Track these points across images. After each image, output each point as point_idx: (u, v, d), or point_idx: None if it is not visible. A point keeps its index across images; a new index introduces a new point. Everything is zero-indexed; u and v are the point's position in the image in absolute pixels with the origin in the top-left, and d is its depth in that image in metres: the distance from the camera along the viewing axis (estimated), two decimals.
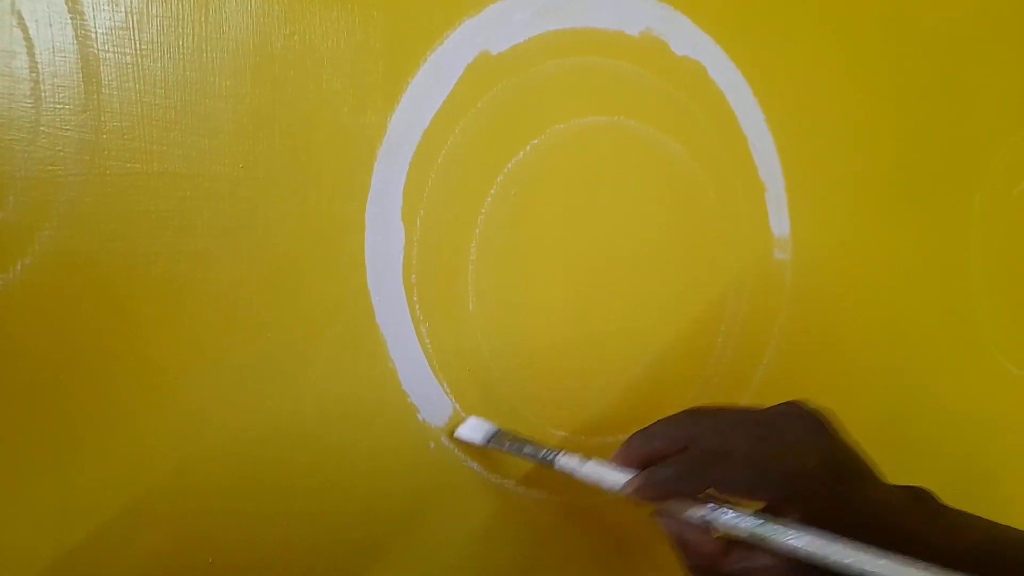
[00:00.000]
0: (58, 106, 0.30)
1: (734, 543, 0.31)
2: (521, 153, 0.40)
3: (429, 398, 0.38)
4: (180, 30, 0.32)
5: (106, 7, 0.30)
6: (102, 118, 0.31)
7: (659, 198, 0.45)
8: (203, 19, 0.32)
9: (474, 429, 0.38)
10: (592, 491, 0.44)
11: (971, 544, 0.30)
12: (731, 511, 0.30)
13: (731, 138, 0.47)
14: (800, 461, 0.29)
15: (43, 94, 0.30)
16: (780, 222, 0.49)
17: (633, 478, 0.32)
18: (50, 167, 0.30)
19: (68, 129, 0.30)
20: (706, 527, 0.31)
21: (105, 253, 0.31)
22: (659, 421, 0.33)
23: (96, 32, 0.30)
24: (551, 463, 0.35)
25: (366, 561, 0.38)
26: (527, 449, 0.36)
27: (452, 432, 0.39)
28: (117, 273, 0.31)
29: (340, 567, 0.37)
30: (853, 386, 0.53)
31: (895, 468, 0.55)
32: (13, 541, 0.30)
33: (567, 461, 0.34)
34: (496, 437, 0.37)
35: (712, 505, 0.30)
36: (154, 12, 0.31)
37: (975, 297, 0.59)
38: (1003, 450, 0.61)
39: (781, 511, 0.29)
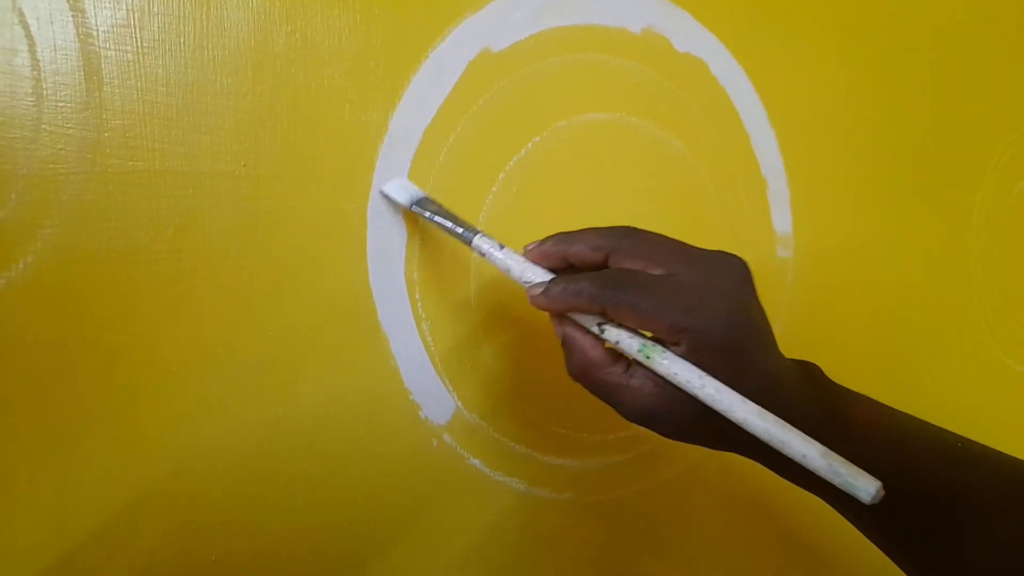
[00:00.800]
0: (60, 104, 0.30)
1: (619, 356, 0.31)
2: (523, 150, 0.40)
3: (431, 395, 0.38)
4: (181, 28, 0.32)
5: (107, 5, 0.30)
6: (104, 116, 0.31)
7: (660, 195, 0.45)
8: (204, 17, 0.32)
9: (401, 189, 0.36)
10: (593, 491, 0.44)
11: (851, 419, 0.29)
12: (623, 330, 0.30)
13: (733, 135, 0.47)
14: (707, 308, 0.29)
15: (45, 92, 0.30)
16: (782, 219, 0.49)
17: (540, 285, 0.32)
18: (52, 165, 0.30)
19: (70, 127, 0.30)
20: (597, 336, 0.31)
21: (107, 251, 0.31)
22: (587, 228, 0.32)
23: (97, 30, 0.30)
24: (468, 241, 0.34)
25: (368, 558, 0.38)
26: (448, 222, 0.34)
27: (447, 423, 0.39)
28: (119, 271, 0.31)
29: (342, 564, 0.37)
30: (854, 383, 0.53)
31: None
32: (16, 537, 0.30)
33: (482, 242, 0.34)
34: (420, 202, 0.36)
35: (607, 322, 0.30)
36: (155, 10, 0.31)
37: (976, 294, 0.59)
38: (1004, 446, 0.61)
39: (670, 344, 0.29)
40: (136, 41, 0.31)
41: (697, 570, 0.48)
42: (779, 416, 0.28)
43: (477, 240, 0.34)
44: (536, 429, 0.42)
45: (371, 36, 0.36)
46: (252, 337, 0.34)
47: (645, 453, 0.45)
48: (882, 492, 0.26)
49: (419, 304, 0.38)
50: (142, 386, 0.32)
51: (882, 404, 0.34)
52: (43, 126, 0.30)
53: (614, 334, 0.30)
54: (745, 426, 0.28)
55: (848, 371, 0.53)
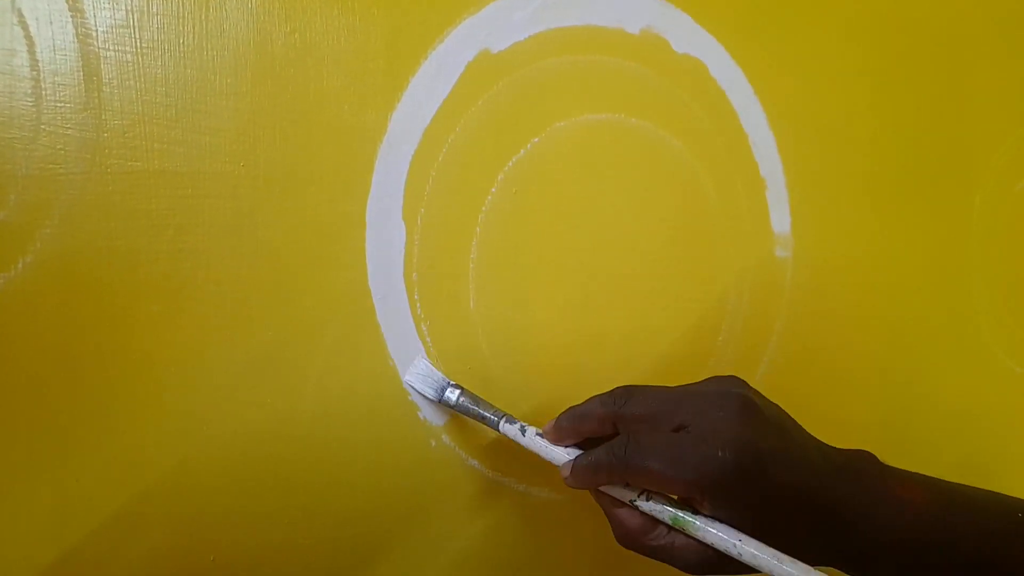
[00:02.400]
0: (59, 104, 0.30)
1: (657, 520, 0.32)
2: (522, 151, 0.40)
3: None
4: (181, 28, 0.32)
5: (107, 5, 0.31)
6: (103, 116, 0.31)
7: (660, 196, 0.45)
8: (204, 17, 0.32)
9: (425, 380, 0.37)
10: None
11: (910, 504, 0.30)
12: (649, 501, 0.32)
13: (732, 136, 0.47)
14: (715, 458, 0.29)
15: (44, 92, 0.30)
16: (781, 219, 0.49)
17: (567, 466, 0.34)
18: (51, 165, 0.30)
19: (69, 127, 0.30)
20: (632, 506, 0.32)
21: (106, 251, 0.31)
22: (591, 399, 0.34)
23: (97, 30, 0.30)
24: (495, 426, 0.36)
25: (367, 558, 0.38)
26: (475, 408, 0.37)
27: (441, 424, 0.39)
28: (118, 271, 0.31)
29: (340, 564, 0.37)
30: (854, 383, 0.53)
31: (896, 465, 0.55)
32: (15, 538, 0.30)
33: (508, 429, 0.36)
34: (446, 391, 0.37)
35: (639, 495, 0.32)
36: (155, 10, 0.31)
37: (976, 295, 0.59)
38: (1004, 448, 0.61)
39: (695, 502, 0.31)
40: (135, 42, 0.31)
41: None
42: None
43: (503, 426, 0.36)
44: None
45: (370, 37, 0.36)
46: (251, 337, 0.34)
47: None
48: None
49: (418, 305, 0.38)
50: (141, 386, 0.32)
51: (936, 481, 0.34)
52: (42, 126, 0.30)
53: (647, 507, 0.32)
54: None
55: (847, 372, 0.53)
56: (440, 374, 0.38)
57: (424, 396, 0.37)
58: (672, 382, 0.45)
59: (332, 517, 0.37)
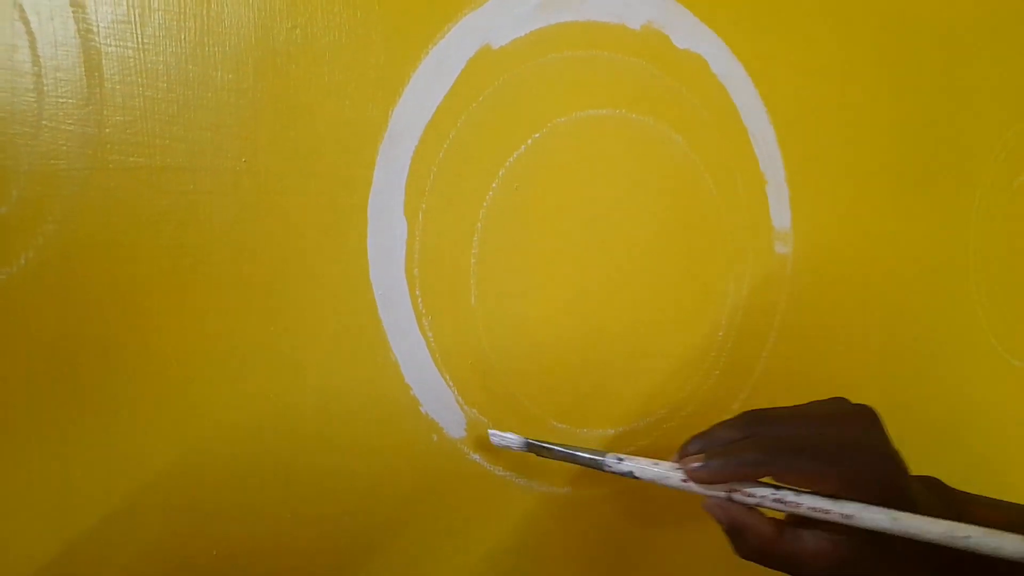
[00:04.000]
0: (60, 100, 0.30)
1: (786, 525, 0.32)
2: (523, 147, 0.40)
3: (431, 391, 0.39)
4: (182, 24, 0.32)
5: (108, 0, 0.30)
6: (104, 112, 0.31)
7: (660, 191, 0.45)
8: (205, 13, 0.32)
9: (505, 439, 0.38)
10: (592, 484, 0.44)
11: (980, 522, 0.31)
12: (817, 497, 0.31)
13: (732, 131, 0.47)
14: (863, 453, 0.31)
15: (45, 88, 0.30)
16: (781, 215, 0.49)
17: (697, 459, 0.32)
18: (53, 161, 0.30)
19: (71, 123, 0.30)
20: (758, 511, 0.32)
21: (108, 247, 0.31)
22: (717, 424, 0.34)
23: (98, 26, 0.30)
24: (600, 465, 0.35)
25: (368, 552, 0.38)
26: (575, 453, 0.36)
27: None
28: (120, 267, 0.31)
29: (342, 558, 0.37)
30: (853, 378, 0.54)
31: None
32: (17, 531, 0.31)
33: (614, 461, 0.34)
34: (531, 446, 0.37)
35: (775, 487, 0.32)
36: (156, 6, 0.31)
37: (975, 289, 0.59)
38: (1003, 441, 0.62)
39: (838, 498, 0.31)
40: (137, 37, 0.31)
41: (697, 564, 0.48)
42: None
43: (611, 462, 0.34)
44: (536, 424, 0.42)
45: (371, 32, 0.36)
46: (253, 332, 0.34)
47: (644, 448, 0.45)
48: None
49: (419, 300, 0.38)
50: (143, 381, 0.32)
51: (1007, 502, 0.36)
52: (44, 122, 0.30)
53: (800, 499, 0.31)
54: (956, 544, 0.29)
55: (846, 367, 0.53)
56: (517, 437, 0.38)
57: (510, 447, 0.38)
58: (673, 376, 0.45)
59: (333, 511, 0.37)
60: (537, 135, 0.41)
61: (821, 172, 0.50)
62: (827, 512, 0.30)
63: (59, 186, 0.30)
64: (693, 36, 0.45)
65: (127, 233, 0.31)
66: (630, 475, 0.34)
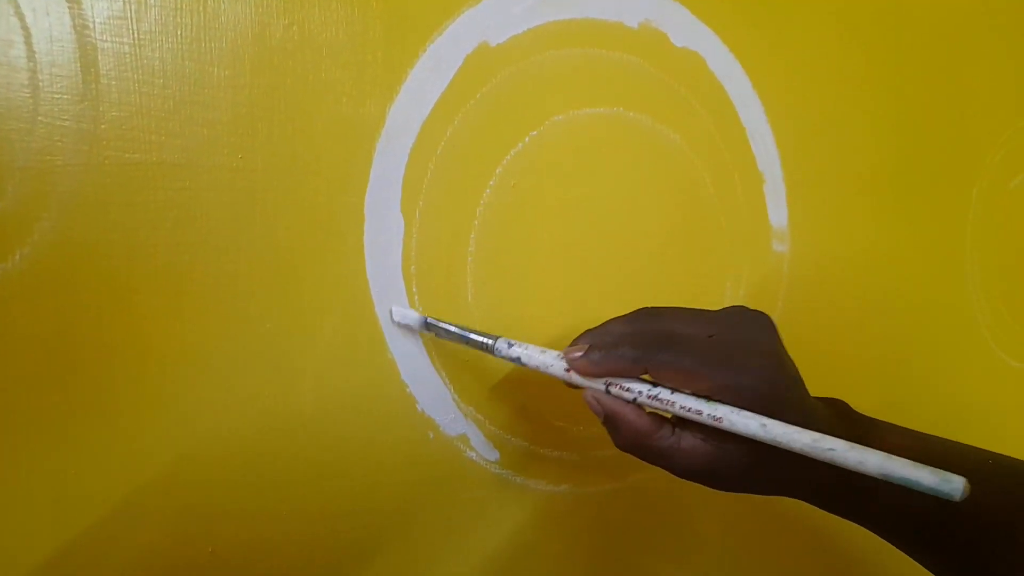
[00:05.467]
0: (56, 96, 0.30)
1: (663, 420, 0.32)
2: (520, 144, 0.40)
3: (428, 388, 0.38)
4: (178, 19, 0.32)
5: None
6: (100, 108, 0.31)
7: (658, 189, 0.45)
8: (201, 8, 0.32)
9: (406, 317, 0.37)
10: (591, 481, 0.44)
11: (883, 447, 0.30)
12: (681, 393, 0.31)
13: (730, 129, 0.47)
14: (745, 364, 0.30)
15: (41, 83, 0.30)
16: (778, 213, 0.49)
17: (579, 349, 0.32)
18: (48, 157, 0.30)
19: (66, 119, 0.30)
20: (638, 405, 0.31)
21: (104, 244, 0.31)
22: (611, 319, 0.33)
23: (94, 21, 0.30)
24: (490, 349, 0.35)
25: (365, 550, 0.38)
26: (467, 334, 0.36)
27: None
28: (116, 263, 0.31)
29: (339, 556, 0.37)
30: (850, 377, 0.54)
31: None
32: (12, 532, 0.30)
33: (504, 346, 0.35)
34: (429, 324, 0.37)
35: (659, 387, 0.31)
36: (152, 2, 0.31)
37: (972, 289, 0.59)
38: (999, 440, 0.62)
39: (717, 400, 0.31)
40: (133, 33, 0.31)
41: (694, 561, 0.48)
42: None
43: (500, 345, 0.35)
44: (533, 422, 0.42)
45: (369, 29, 0.36)
46: (249, 329, 0.34)
47: None
48: (969, 486, 0.25)
49: (416, 297, 0.38)
50: (139, 379, 0.32)
51: (911, 430, 0.35)
52: (39, 118, 0.30)
53: (674, 397, 0.30)
54: (820, 456, 0.27)
55: (843, 366, 0.53)
56: (416, 313, 0.37)
57: (410, 328, 0.37)
58: None
59: (330, 509, 0.37)
60: (534, 133, 0.41)
61: (819, 171, 0.51)
62: (699, 413, 0.30)
63: (54, 182, 0.30)
64: (691, 34, 0.45)
65: (123, 229, 0.31)
66: (518, 361, 0.34)
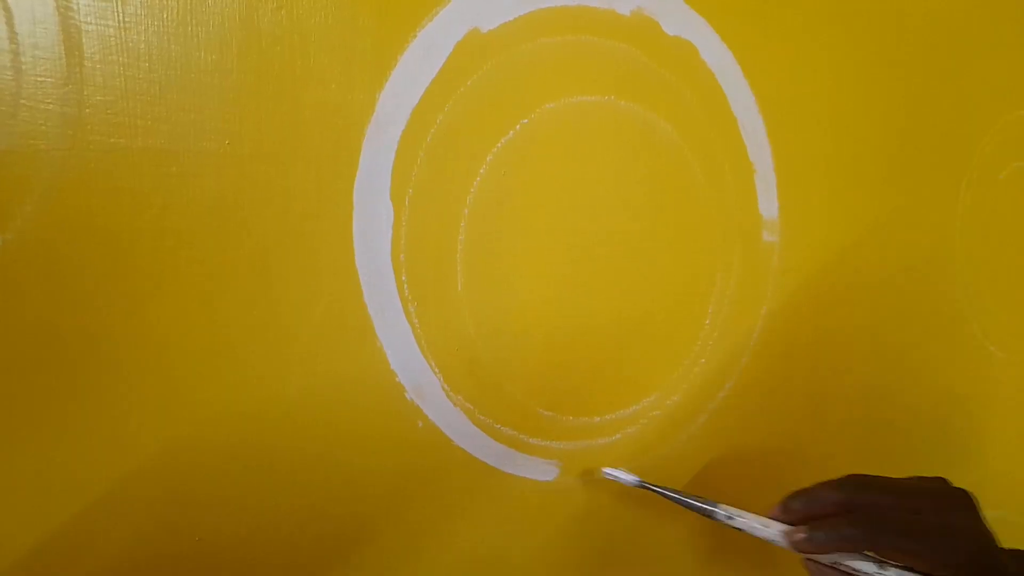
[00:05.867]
0: (39, 79, 0.29)
1: None
2: (511, 132, 0.40)
3: (417, 377, 0.38)
4: (164, 3, 0.31)
5: None
6: (85, 91, 0.30)
7: (649, 178, 0.45)
8: None
9: (620, 477, 0.42)
10: (578, 472, 0.44)
11: None
12: (897, 567, 0.34)
13: (721, 119, 0.47)
14: (956, 534, 0.33)
15: (23, 66, 0.29)
16: (769, 204, 0.49)
17: (801, 530, 0.35)
18: (32, 141, 0.29)
19: (50, 102, 0.30)
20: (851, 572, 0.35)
21: (88, 229, 0.31)
22: (820, 484, 0.36)
23: (78, 2, 0.30)
24: (710, 515, 0.39)
25: (353, 538, 0.38)
26: (685, 499, 0.40)
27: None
28: (100, 250, 0.31)
29: (326, 544, 0.37)
30: (839, 367, 0.54)
31: (880, 448, 0.56)
32: (0, 517, 0.30)
33: (723, 516, 0.38)
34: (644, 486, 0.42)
35: (870, 560, 0.34)
36: None
37: (960, 280, 0.59)
38: (984, 430, 0.62)
39: None
40: (118, 15, 0.30)
41: (681, 552, 0.49)
42: None
43: (721, 512, 0.38)
44: (522, 411, 0.42)
45: (358, 14, 0.35)
46: (236, 317, 0.34)
47: (630, 435, 0.45)
48: None
49: (405, 286, 0.38)
50: (125, 366, 0.32)
51: None
52: (22, 101, 0.29)
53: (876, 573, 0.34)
54: None
55: (832, 356, 0.54)
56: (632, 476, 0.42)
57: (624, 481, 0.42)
58: (658, 363, 0.45)
59: (318, 498, 0.37)
60: (525, 121, 0.40)
61: (809, 161, 0.50)
62: None
63: (38, 167, 0.30)
64: (683, 23, 0.45)
65: (107, 215, 0.31)
66: (739, 531, 0.38)
